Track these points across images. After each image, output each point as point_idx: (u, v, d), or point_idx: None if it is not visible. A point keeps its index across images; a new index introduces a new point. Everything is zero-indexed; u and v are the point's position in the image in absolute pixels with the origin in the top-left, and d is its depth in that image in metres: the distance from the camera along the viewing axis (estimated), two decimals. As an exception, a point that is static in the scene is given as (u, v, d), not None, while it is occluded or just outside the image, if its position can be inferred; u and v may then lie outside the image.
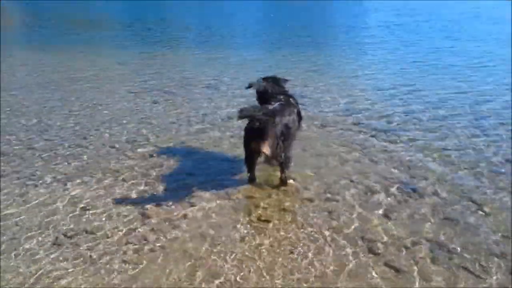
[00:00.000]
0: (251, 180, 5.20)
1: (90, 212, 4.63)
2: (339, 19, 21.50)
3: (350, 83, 9.56)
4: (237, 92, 8.68)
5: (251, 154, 4.99)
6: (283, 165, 5.08)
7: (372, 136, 6.46)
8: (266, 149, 4.79)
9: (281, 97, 5.45)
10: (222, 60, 12.18)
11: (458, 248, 3.93)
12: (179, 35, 17.11)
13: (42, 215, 4.58)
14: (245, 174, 5.23)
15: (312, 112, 7.47)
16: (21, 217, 4.54)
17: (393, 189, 4.96)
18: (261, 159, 5.20)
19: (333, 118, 7.25)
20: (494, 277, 3.59)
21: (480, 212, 4.50)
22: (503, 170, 5.37)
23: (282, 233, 4.22)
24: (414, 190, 4.93)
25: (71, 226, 4.38)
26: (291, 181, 5.18)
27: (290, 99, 5.55)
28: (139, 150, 6.16)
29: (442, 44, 13.74)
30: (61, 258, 3.90)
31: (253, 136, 4.83)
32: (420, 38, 14.85)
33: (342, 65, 11.48)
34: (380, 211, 4.55)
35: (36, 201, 4.85)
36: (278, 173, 5.17)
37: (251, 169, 5.15)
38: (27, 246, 4.07)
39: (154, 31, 17.81)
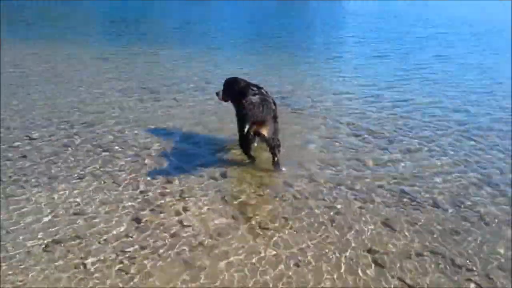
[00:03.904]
0: (251, 159, 5.66)
1: (81, 216, 4.40)
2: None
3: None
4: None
5: (249, 137, 5.29)
6: (276, 148, 5.44)
7: (369, 142, 6.39)
8: (265, 131, 5.23)
9: (255, 89, 5.79)
10: (207, 59, 11.95)
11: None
12: (164, 33, 16.77)
13: (30, 219, 4.33)
14: (241, 175, 5.36)
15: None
16: (7, 221, 4.29)
17: (394, 199, 4.88)
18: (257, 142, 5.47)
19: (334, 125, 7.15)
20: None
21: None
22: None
23: (284, 242, 4.07)
24: (413, 200, 4.86)
25: (61, 231, 4.14)
26: (283, 169, 5.44)
27: (262, 90, 5.87)
28: (127, 151, 5.93)
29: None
30: (52, 266, 3.67)
31: (254, 119, 5.18)
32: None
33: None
34: (381, 220, 4.45)
35: (22, 205, 4.58)
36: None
37: (249, 150, 5.58)
38: (15, 253, 3.83)
39: (137, 27, 17.46)
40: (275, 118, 5.51)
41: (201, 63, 11.42)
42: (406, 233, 4.25)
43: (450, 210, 4.68)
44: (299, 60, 12.28)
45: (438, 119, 7.46)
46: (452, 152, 6.11)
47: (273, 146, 5.43)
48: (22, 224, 4.23)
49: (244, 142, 5.51)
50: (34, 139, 6.21)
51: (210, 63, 11.43)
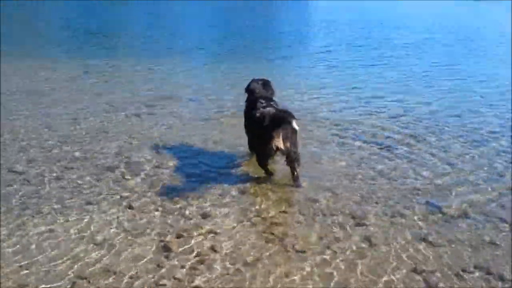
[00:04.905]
0: (269, 173, 5.45)
1: (103, 247, 4.09)
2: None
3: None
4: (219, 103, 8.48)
5: (268, 152, 5.14)
6: (295, 162, 5.21)
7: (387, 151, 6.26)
8: (285, 144, 5.02)
9: (264, 102, 5.55)
10: (198, 71, 11.70)
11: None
12: (143, 43, 16.32)
13: (48, 253, 3.99)
14: (260, 191, 5.18)
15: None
16: (23, 257, 3.94)
17: (422, 211, 4.75)
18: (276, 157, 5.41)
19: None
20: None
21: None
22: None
23: (325, 266, 3.87)
24: (440, 211, 4.74)
25: (86, 266, 3.83)
26: (303, 184, 5.24)
27: (272, 102, 5.64)
28: (135, 170, 5.63)
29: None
30: (85, 307, 3.39)
31: (272, 134, 4.99)
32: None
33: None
34: (417, 236, 4.30)
35: (38, 236, 4.25)
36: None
37: (267, 165, 5.41)
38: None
39: (115, 38, 17.00)
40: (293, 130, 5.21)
41: (186, 73, 11.21)
42: (446, 248, 4.11)
43: (480, 221, 4.58)
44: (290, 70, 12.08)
45: (450, 126, 7.40)
46: (471, 160, 6.04)
47: (293, 160, 5.21)
48: (41, 260, 3.89)
49: (262, 156, 5.33)
50: (33, 160, 5.84)
51: (194, 73, 11.23)
